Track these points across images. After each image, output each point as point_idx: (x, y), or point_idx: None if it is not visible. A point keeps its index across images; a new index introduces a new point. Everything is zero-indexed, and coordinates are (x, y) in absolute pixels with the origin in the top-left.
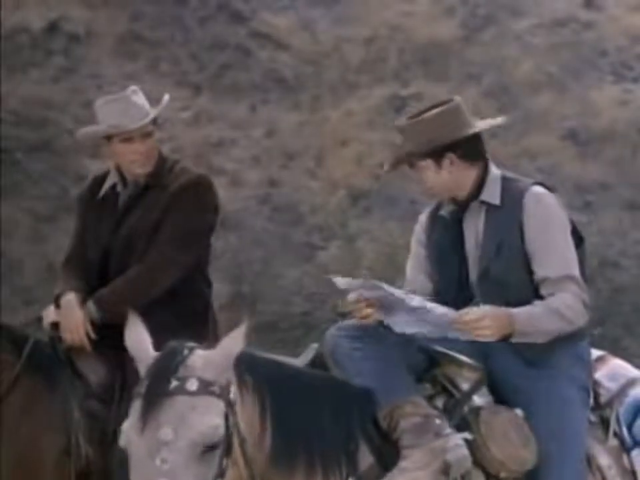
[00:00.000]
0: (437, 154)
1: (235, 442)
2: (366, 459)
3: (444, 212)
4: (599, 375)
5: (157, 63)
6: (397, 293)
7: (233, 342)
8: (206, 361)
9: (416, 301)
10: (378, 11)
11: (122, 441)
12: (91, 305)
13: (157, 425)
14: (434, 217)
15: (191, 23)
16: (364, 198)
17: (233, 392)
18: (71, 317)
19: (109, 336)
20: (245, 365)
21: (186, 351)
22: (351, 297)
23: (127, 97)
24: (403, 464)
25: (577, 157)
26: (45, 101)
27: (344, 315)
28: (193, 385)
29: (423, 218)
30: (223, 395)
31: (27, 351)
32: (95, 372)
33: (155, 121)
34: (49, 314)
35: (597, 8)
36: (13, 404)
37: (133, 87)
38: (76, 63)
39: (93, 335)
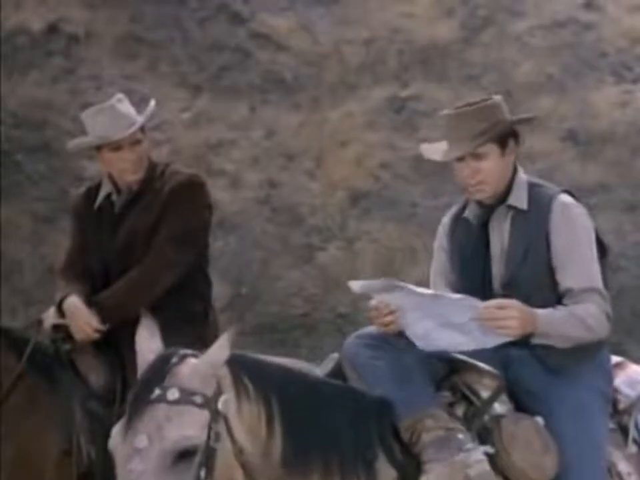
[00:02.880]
0: (503, 137)
1: (227, 452)
2: (388, 472)
3: (468, 214)
4: (618, 381)
5: (157, 64)
6: (417, 289)
7: (218, 351)
8: (192, 370)
9: (436, 294)
10: (377, 12)
11: (110, 445)
12: (91, 308)
13: (135, 432)
14: (457, 219)
15: (191, 24)
16: (363, 199)
17: (223, 401)
18: (79, 316)
19: (109, 337)
20: (246, 372)
21: (175, 359)
22: (372, 303)
23: (112, 106)
24: (424, 479)
25: (577, 158)
26: (44, 102)
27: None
28: (174, 394)
29: (446, 220)
30: (208, 404)
31: (27, 353)
32: (95, 373)
33: (142, 128)
34: (50, 316)
35: (597, 9)
36: (14, 406)
37: (119, 96)
38: (75, 64)
39: (103, 328)
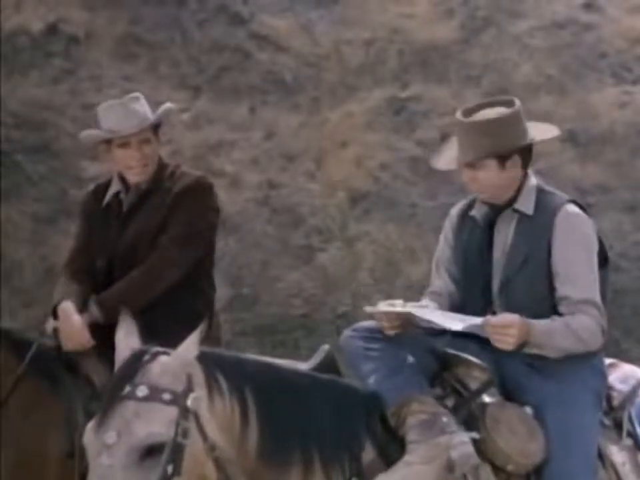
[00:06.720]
0: (505, 155)
1: (197, 448)
2: (368, 454)
3: (475, 213)
4: (611, 378)
5: (156, 65)
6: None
7: (188, 348)
8: (162, 367)
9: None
10: (377, 13)
11: (83, 441)
12: (93, 306)
13: (105, 428)
14: (464, 215)
15: (190, 25)
16: (363, 200)
17: (193, 398)
18: (70, 324)
19: (111, 337)
20: (219, 369)
21: (147, 357)
22: (372, 309)
23: (125, 103)
24: (407, 458)
25: (577, 159)
26: (44, 102)
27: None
28: (143, 391)
29: (454, 213)
30: (177, 401)
31: (29, 354)
32: (98, 373)
33: (155, 129)
34: (51, 320)
35: (597, 10)
36: (16, 407)
37: (136, 94)
38: (75, 65)
39: (91, 341)
